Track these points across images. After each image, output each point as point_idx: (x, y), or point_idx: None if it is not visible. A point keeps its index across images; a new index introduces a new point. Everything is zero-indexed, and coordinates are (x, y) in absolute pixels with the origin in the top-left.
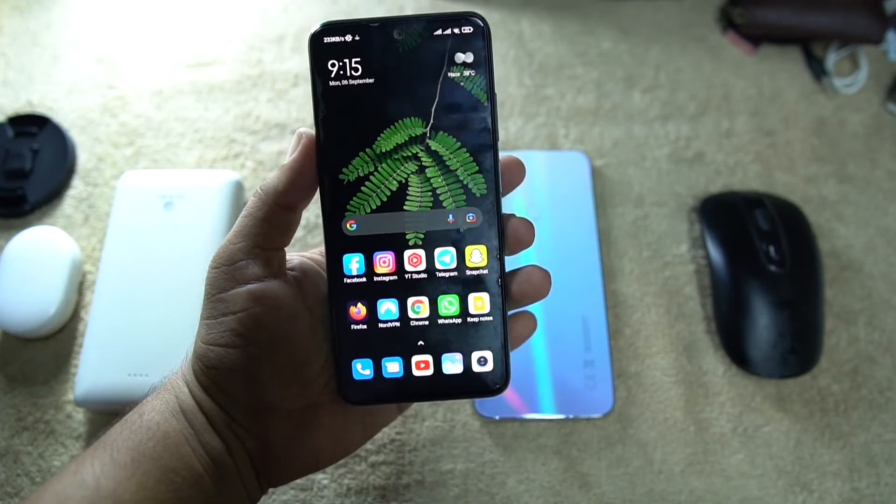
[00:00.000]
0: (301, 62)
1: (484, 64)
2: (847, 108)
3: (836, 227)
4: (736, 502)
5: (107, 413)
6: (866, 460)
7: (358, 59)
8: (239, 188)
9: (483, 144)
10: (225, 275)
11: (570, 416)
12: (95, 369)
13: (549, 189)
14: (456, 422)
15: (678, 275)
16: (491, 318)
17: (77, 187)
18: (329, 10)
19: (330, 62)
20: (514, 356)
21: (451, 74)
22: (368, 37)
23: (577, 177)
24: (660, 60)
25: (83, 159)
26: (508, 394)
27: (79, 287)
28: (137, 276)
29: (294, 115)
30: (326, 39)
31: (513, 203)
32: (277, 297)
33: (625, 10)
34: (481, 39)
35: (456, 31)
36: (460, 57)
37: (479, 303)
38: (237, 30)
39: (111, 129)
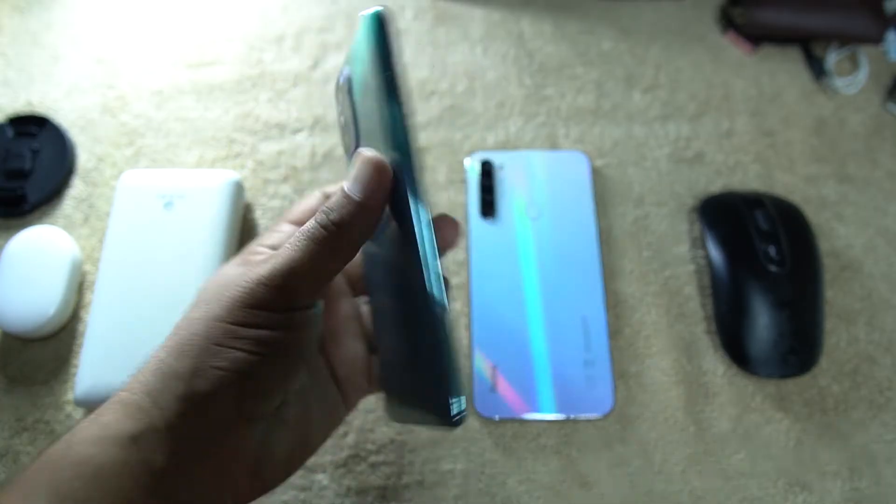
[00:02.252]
0: (301, 62)
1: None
2: (847, 108)
3: (836, 227)
4: (736, 502)
5: None
6: (866, 460)
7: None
8: (239, 188)
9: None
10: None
11: (570, 417)
12: (95, 369)
13: (549, 189)
14: None
15: (678, 275)
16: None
17: (77, 187)
18: (329, 9)
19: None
20: (514, 356)
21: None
22: None
23: (577, 177)
24: (660, 60)
25: (83, 159)
26: (508, 394)
27: (79, 287)
28: (137, 276)
29: (294, 114)
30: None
31: (513, 203)
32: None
33: (625, 10)
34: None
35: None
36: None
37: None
38: (237, 30)
39: (111, 129)
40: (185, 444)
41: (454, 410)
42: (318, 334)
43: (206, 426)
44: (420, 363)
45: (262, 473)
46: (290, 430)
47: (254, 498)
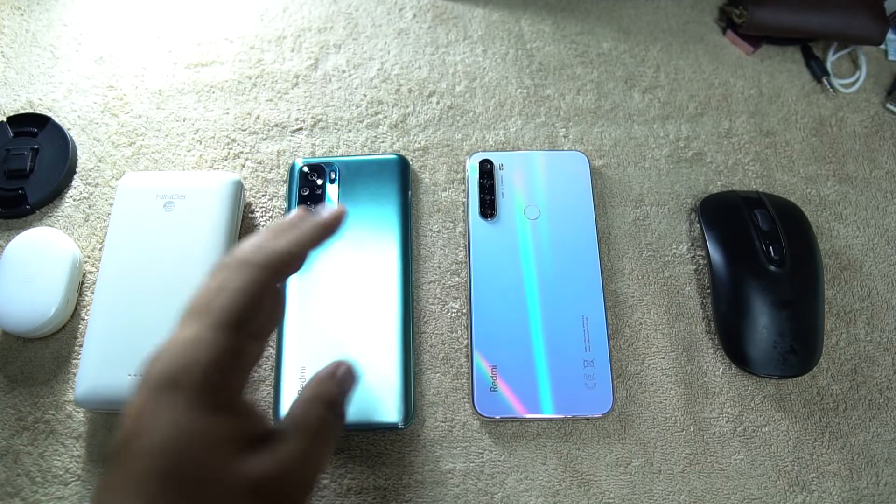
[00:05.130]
0: (301, 62)
1: None
2: (847, 108)
3: (835, 226)
4: (736, 502)
5: (107, 413)
6: (866, 460)
7: None
8: (239, 188)
9: None
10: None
11: (570, 416)
12: (95, 369)
13: (549, 189)
14: (456, 421)
15: (678, 275)
16: None
17: (77, 187)
18: (329, 9)
19: None
20: (514, 356)
21: None
22: None
23: (576, 177)
24: (660, 60)
25: (83, 159)
26: (508, 394)
27: (79, 287)
28: (137, 277)
29: (294, 115)
30: None
31: (514, 203)
32: None
33: (625, 10)
34: None
35: None
36: None
37: None
38: (237, 30)
39: (111, 129)
40: None
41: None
42: None
43: None
44: None
45: None
46: None
47: None
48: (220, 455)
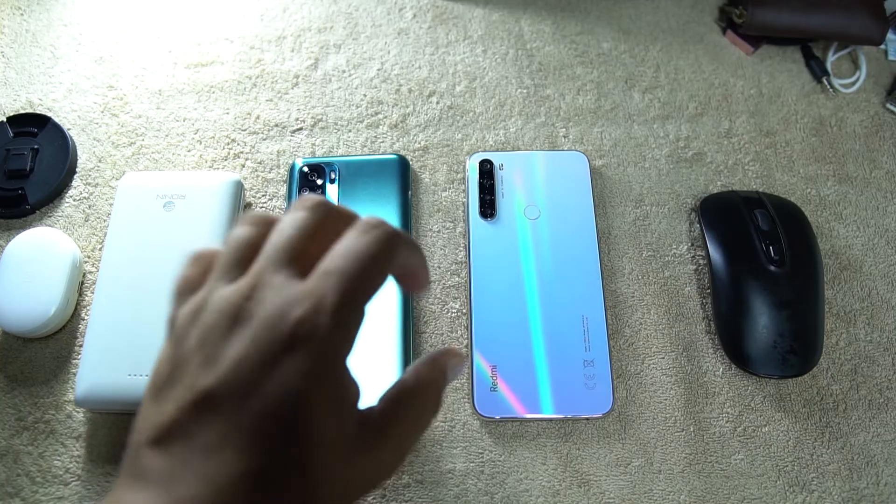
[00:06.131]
0: (301, 62)
1: None
2: (847, 108)
3: (835, 226)
4: (736, 502)
5: (107, 413)
6: (866, 460)
7: None
8: (239, 188)
9: None
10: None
11: (570, 416)
12: (95, 369)
13: (549, 189)
14: (456, 421)
15: (678, 275)
16: None
17: (77, 187)
18: (329, 9)
19: None
20: (514, 356)
21: None
22: None
23: (576, 177)
24: (660, 60)
25: (83, 159)
26: (508, 394)
27: (79, 287)
28: (137, 277)
29: (294, 115)
30: None
31: (514, 203)
32: None
33: (625, 10)
34: None
35: None
36: None
37: None
38: (237, 30)
39: (111, 129)
40: None
41: None
42: None
43: None
44: None
45: None
46: None
47: None
48: (343, 419)
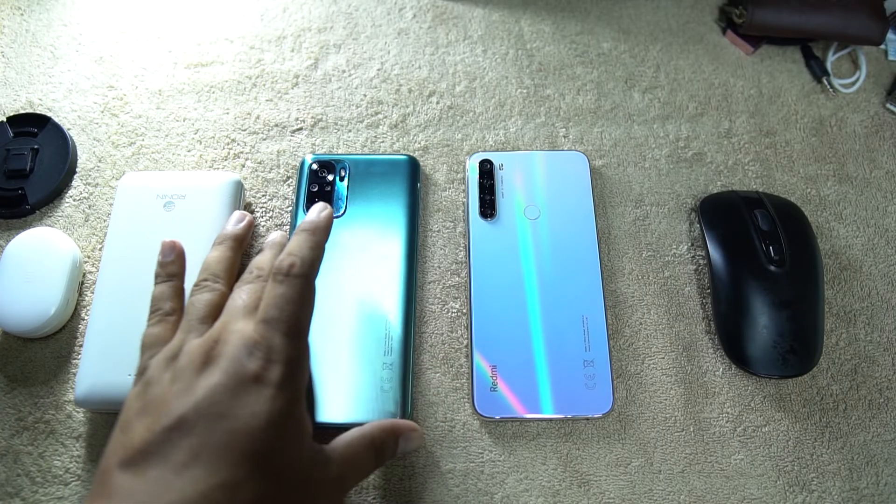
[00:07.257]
0: (301, 62)
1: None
2: (847, 108)
3: (835, 226)
4: (736, 502)
5: (107, 413)
6: (866, 460)
7: None
8: (239, 188)
9: None
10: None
11: (570, 416)
12: (95, 369)
13: (549, 189)
14: (456, 422)
15: (678, 275)
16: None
17: (77, 187)
18: (329, 9)
19: None
20: (514, 356)
21: None
22: None
23: (576, 177)
24: (660, 60)
25: (83, 159)
26: (508, 394)
27: (79, 287)
28: (138, 277)
29: (294, 114)
30: None
31: (514, 203)
32: None
33: (625, 10)
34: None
35: None
36: None
37: None
38: (237, 30)
39: (111, 129)
40: None
41: None
42: None
43: None
44: None
45: None
46: None
47: None
48: (302, 447)
